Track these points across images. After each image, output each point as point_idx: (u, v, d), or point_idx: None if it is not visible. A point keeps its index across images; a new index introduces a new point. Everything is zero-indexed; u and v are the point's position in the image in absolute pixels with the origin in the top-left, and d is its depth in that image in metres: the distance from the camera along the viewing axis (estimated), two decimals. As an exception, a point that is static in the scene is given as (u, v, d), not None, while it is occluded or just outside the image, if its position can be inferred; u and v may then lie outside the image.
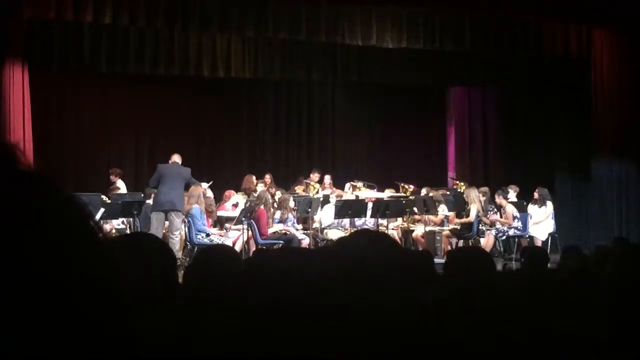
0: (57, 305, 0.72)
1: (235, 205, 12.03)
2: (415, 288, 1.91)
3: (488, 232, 11.99)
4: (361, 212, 11.50)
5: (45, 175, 0.78)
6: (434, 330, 1.97)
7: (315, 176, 13.93)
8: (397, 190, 13.32)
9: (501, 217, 12.23)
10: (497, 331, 2.53)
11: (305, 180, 13.71)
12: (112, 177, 12.95)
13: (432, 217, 12.22)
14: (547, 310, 3.04)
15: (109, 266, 0.79)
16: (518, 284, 4.19)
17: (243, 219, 10.94)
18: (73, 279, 0.74)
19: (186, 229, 11.05)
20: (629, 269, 2.91)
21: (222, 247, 3.44)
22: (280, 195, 12.27)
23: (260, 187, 12.78)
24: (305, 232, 11.61)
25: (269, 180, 13.92)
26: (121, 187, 12.85)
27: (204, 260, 2.54)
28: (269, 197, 11.42)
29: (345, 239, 2.14)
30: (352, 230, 9.45)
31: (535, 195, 12.60)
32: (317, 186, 13.27)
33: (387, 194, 12.87)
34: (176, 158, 11.23)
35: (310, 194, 12.73)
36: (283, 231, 11.33)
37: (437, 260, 8.56)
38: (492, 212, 12.36)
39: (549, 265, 6.36)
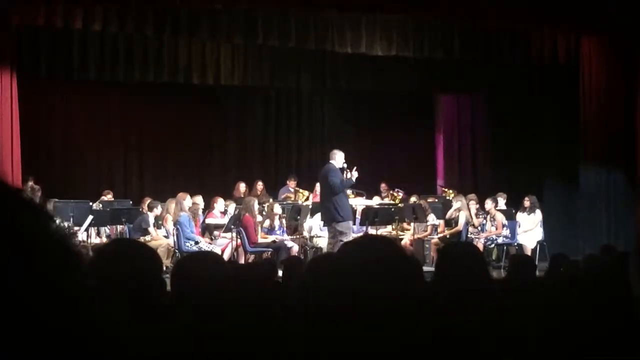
0: (25, 320, 0.71)
1: (224, 213, 12.00)
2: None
3: (477, 240, 11.99)
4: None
5: (20, 191, 0.77)
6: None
7: (292, 183, 13.91)
8: (382, 198, 13.32)
9: (491, 225, 12.24)
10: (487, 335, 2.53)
11: (293, 188, 13.70)
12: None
13: (421, 229, 12.23)
14: (534, 317, 3.05)
15: (82, 282, 0.78)
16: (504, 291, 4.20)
17: (232, 226, 10.92)
18: (43, 295, 0.73)
19: (175, 236, 11.02)
20: (614, 276, 2.91)
21: (206, 254, 3.44)
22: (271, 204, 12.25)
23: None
24: (293, 239, 11.60)
25: (261, 188, 13.88)
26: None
27: (187, 266, 2.53)
28: (255, 204, 11.36)
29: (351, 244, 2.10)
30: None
31: (526, 203, 12.58)
32: (307, 193, 13.24)
33: (368, 202, 12.83)
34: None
35: (299, 201, 12.71)
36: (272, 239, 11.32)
37: (426, 268, 8.58)
38: (481, 217, 12.37)
39: (537, 273, 6.36)
